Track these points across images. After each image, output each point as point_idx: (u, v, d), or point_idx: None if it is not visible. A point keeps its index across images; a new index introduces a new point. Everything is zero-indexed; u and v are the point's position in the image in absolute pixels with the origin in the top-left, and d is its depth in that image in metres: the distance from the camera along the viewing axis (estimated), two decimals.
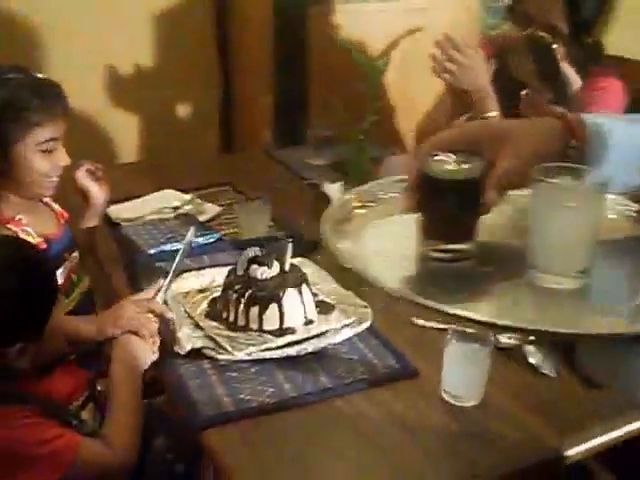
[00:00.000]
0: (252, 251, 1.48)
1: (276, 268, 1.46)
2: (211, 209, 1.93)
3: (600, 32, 2.01)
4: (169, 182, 2.08)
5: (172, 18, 2.50)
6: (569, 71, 1.41)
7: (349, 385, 1.32)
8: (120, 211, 1.90)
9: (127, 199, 1.97)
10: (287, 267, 1.48)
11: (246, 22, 2.49)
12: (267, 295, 1.42)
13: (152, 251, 1.68)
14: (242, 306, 1.42)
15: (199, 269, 1.62)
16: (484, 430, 1.24)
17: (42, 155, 1.56)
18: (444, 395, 1.30)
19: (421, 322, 1.51)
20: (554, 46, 1.38)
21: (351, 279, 1.60)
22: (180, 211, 1.91)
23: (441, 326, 1.47)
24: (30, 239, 1.57)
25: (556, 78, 1.40)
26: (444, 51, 1.87)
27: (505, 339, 1.44)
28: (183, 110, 2.63)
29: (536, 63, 1.42)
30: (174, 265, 1.50)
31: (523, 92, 1.48)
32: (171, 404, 1.40)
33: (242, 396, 1.28)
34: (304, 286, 1.46)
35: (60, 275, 1.64)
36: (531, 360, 1.39)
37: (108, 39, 2.43)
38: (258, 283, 1.43)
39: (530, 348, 1.42)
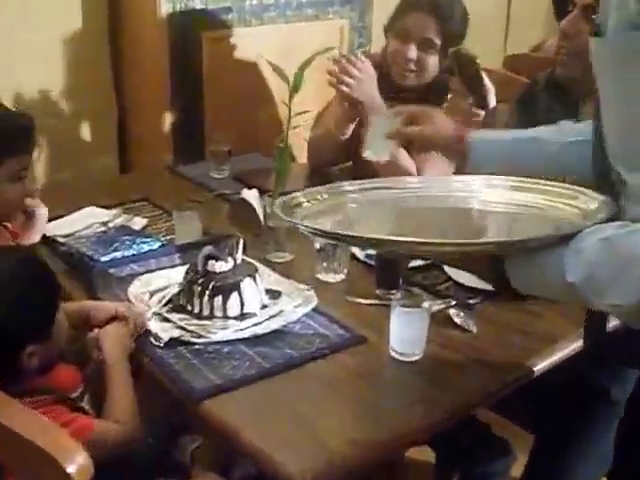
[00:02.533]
0: (207, 249, 1.66)
1: (230, 262, 1.65)
2: (139, 221, 2.08)
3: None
4: (85, 202, 2.19)
5: (69, 46, 2.60)
6: (487, 79, 1.73)
7: (312, 353, 1.53)
8: (54, 228, 2.00)
9: (53, 219, 2.08)
10: (239, 260, 1.67)
11: (140, 46, 2.64)
12: (229, 285, 1.61)
13: (104, 259, 1.82)
14: (207, 297, 1.60)
15: (152, 271, 1.79)
16: (429, 376, 1.49)
17: (13, 183, 1.68)
18: (392, 353, 1.53)
19: (355, 299, 1.75)
20: (477, 60, 1.68)
21: (280, 271, 1.83)
22: (111, 225, 2.04)
23: (372, 301, 1.73)
24: None
25: (477, 85, 1.70)
26: (341, 66, 2.13)
27: (435, 306, 1.70)
28: (83, 136, 2.73)
29: (461, 73, 1.72)
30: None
31: (449, 96, 1.77)
32: (152, 391, 1.54)
33: (225, 371, 1.46)
34: (257, 275, 1.66)
35: None
36: (456, 320, 1.66)
37: (9, 64, 2.49)
38: (218, 276, 1.62)
39: (453, 311, 1.68)
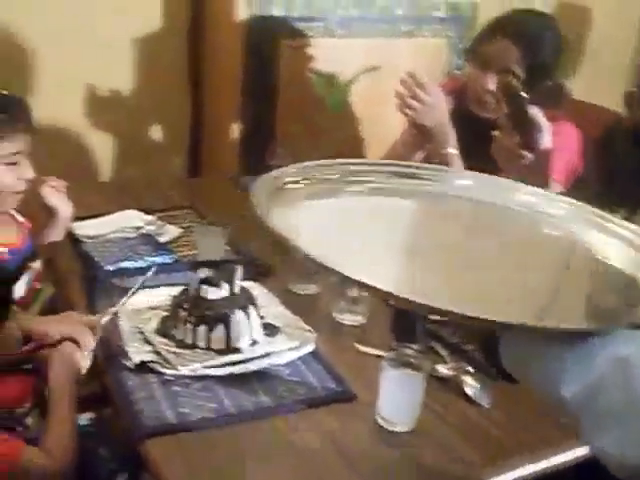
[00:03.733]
0: (204, 272, 1.53)
1: (226, 290, 1.51)
2: (172, 231, 1.98)
3: (558, 75, 2.10)
4: (134, 202, 2.13)
5: (147, 42, 2.56)
6: (538, 116, 1.51)
7: (287, 405, 1.36)
8: (83, 228, 1.93)
9: (92, 217, 2.01)
10: (236, 289, 1.53)
11: (218, 49, 2.55)
12: (215, 315, 1.47)
13: (110, 268, 1.72)
14: (191, 325, 1.47)
15: (154, 287, 1.67)
16: (415, 456, 1.29)
17: (6, 168, 1.60)
18: (379, 420, 1.34)
19: (362, 348, 1.56)
20: (522, 93, 1.47)
21: (298, 304, 1.68)
22: (142, 231, 1.95)
23: (381, 353, 1.52)
24: None
25: (524, 123, 1.49)
26: (408, 89, 1.94)
27: (443, 369, 1.50)
28: (155, 135, 2.68)
29: (508, 108, 1.52)
30: (124, 298, 1.51)
31: (494, 133, 1.56)
32: (116, 415, 1.43)
33: (183, 410, 1.32)
34: (251, 308, 1.51)
35: (23, 284, 1.69)
36: (467, 390, 1.45)
37: (87, 61, 2.47)
38: (207, 303, 1.48)
39: (466, 378, 1.47)
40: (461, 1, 2.78)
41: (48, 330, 1.40)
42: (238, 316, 1.48)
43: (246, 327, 1.49)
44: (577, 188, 1.78)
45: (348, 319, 1.66)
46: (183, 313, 1.48)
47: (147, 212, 2.07)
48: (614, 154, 1.72)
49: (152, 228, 1.97)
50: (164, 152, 2.67)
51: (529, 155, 1.52)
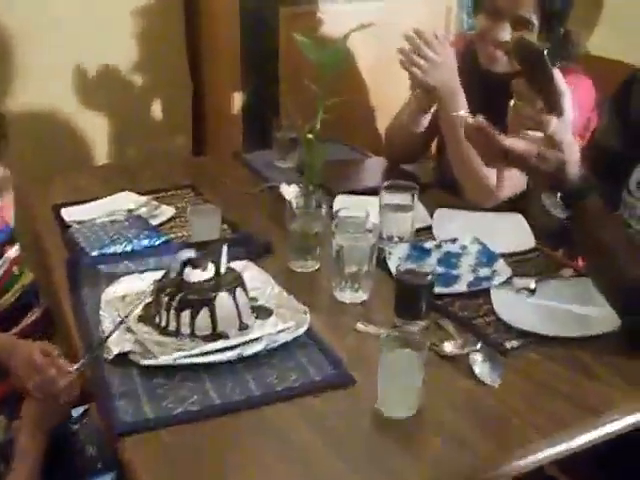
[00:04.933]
0: (186, 253, 1.42)
1: (211, 271, 1.40)
2: (166, 211, 1.87)
3: (572, 25, 1.95)
4: (131, 184, 2.03)
5: (142, 20, 2.45)
6: (559, 78, 1.30)
7: (278, 393, 1.25)
8: (73, 213, 1.85)
9: (85, 202, 1.92)
10: (223, 270, 1.42)
11: (215, 23, 2.44)
12: (198, 299, 1.35)
13: (94, 253, 1.63)
14: (173, 310, 1.36)
15: (140, 272, 1.57)
16: (417, 443, 1.17)
17: None
18: (378, 406, 1.23)
19: (364, 328, 1.44)
20: (545, 52, 1.27)
21: (297, 283, 1.57)
22: (133, 214, 1.84)
23: (381, 332, 1.40)
24: None
25: (549, 86, 1.30)
26: (414, 45, 1.81)
27: (450, 346, 1.37)
28: (155, 113, 2.57)
29: (526, 70, 1.32)
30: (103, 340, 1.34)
31: (511, 102, 1.35)
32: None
33: (164, 403, 1.21)
34: (239, 290, 1.39)
35: None
36: (476, 369, 1.32)
37: (79, 40, 2.38)
38: (190, 286, 1.37)
39: (476, 357, 1.34)
40: None
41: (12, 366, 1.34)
42: (223, 298, 1.36)
43: (233, 310, 1.37)
44: (594, 146, 1.63)
45: (349, 297, 1.54)
46: (165, 298, 1.37)
47: (143, 194, 1.97)
48: (631, 109, 1.55)
49: (144, 210, 1.86)
50: (166, 131, 2.56)
51: (554, 120, 1.32)
